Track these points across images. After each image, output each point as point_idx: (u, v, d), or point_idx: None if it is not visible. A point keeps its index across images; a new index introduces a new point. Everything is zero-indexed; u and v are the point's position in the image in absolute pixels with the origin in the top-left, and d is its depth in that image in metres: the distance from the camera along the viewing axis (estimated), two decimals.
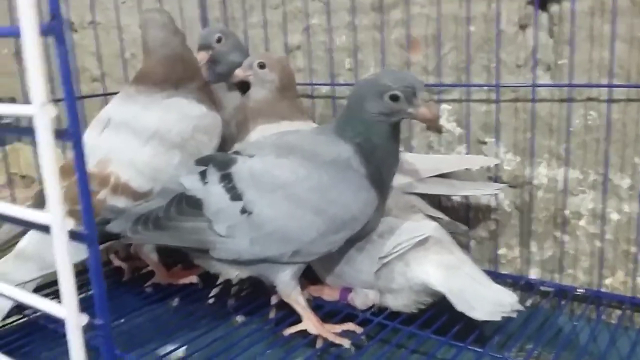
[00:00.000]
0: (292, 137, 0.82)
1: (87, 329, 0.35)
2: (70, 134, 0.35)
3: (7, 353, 0.79)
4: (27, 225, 0.36)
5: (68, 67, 0.34)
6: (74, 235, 0.34)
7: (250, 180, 0.76)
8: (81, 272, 0.96)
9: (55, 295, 0.89)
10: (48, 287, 0.91)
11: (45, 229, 0.34)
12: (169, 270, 0.99)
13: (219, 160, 0.80)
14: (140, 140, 0.88)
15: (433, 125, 0.73)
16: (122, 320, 0.90)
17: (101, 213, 0.83)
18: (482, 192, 0.94)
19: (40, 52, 0.32)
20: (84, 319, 0.35)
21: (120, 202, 0.84)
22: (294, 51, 1.15)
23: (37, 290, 0.86)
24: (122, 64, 1.25)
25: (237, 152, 0.82)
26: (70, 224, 0.34)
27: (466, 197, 1.00)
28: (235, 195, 0.76)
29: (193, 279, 0.96)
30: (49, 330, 0.86)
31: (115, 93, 1.08)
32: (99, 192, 0.84)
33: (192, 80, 0.94)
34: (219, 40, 1.03)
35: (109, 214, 0.83)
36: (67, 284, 0.34)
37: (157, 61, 0.92)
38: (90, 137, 0.90)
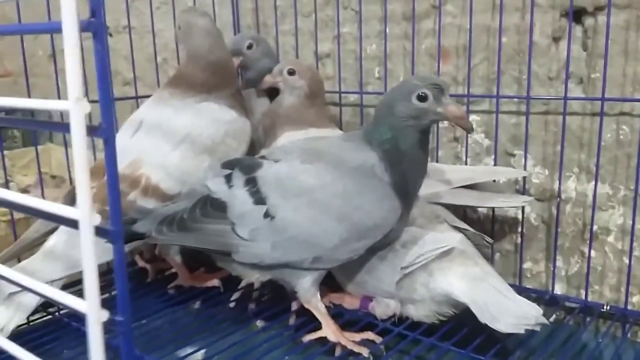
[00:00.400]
0: (318, 143, 0.82)
1: (108, 326, 0.36)
2: (102, 130, 0.35)
3: (31, 349, 0.80)
4: (57, 220, 0.36)
5: (105, 64, 0.35)
6: (100, 231, 0.35)
7: (274, 185, 0.77)
8: (106, 272, 0.99)
9: (79, 294, 0.90)
10: (72, 286, 0.92)
11: (73, 223, 0.35)
12: (192, 273, 1.00)
13: (245, 164, 0.81)
14: (171, 143, 0.89)
15: (463, 124, 0.73)
16: (144, 321, 0.91)
17: (129, 213, 0.84)
18: (508, 205, 0.93)
19: (79, 48, 0.33)
20: (105, 314, 0.35)
21: (150, 203, 0.85)
22: (323, 59, 1.15)
23: (62, 289, 0.87)
24: (155, 68, 1.27)
25: (263, 157, 0.82)
26: (97, 219, 0.35)
27: (492, 209, 0.99)
28: (259, 199, 0.76)
29: (215, 282, 0.97)
30: (73, 329, 0.87)
31: (147, 96, 1.10)
32: (129, 193, 0.85)
33: (227, 86, 0.95)
34: (249, 47, 1.05)
35: (136, 214, 0.84)
36: (91, 279, 0.35)
37: (199, 67, 0.93)
38: (122, 139, 0.91)
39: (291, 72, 0.97)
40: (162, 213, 0.80)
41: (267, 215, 0.76)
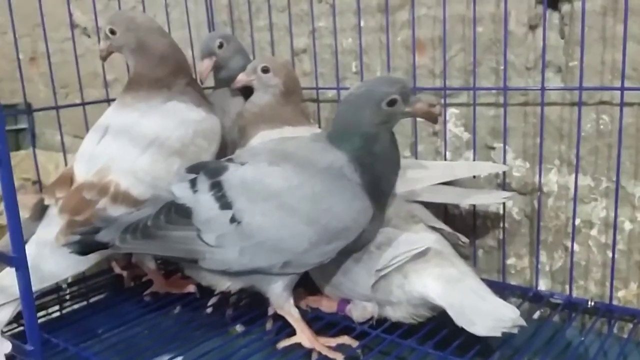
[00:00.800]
0: (287, 145, 0.80)
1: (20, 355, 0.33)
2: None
3: None
4: None
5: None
6: (2, 257, 0.33)
7: (240, 189, 0.74)
8: (82, 280, 0.97)
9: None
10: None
11: None
12: (168, 279, 0.98)
13: (210, 167, 0.78)
14: (139, 147, 0.86)
15: (431, 118, 0.73)
16: (121, 329, 0.89)
17: (93, 221, 0.82)
18: (489, 201, 0.91)
19: None
20: (8, 346, 0.33)
21: (120, 210, 0.83)
22: (300, 54, 1.13)
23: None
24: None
25: (229, 159, 0.80)
26: None
27: (473, 205, 0.96)
28: (224, 203, 0.74)
29: (191, 288, 0.95)
30: None
31: None
32: (98, 201, 0.83)
33: (184, 76, 0.92)
34: (220, 46, 1.02)
35: (100, 222, 0.82)
36: None
37: (152, 63, 0.90)
38: (88, 145, 0.89)
39: (265, 70, 0.94)
40: (126, 221, 0.77)
41: (233, 220, 0.73)
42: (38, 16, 1.05)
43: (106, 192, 0.83)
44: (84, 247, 0.76)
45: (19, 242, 0.31)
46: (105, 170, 0.85)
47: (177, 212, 0.75)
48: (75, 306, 1.00)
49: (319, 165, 0.74)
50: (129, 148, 0.86)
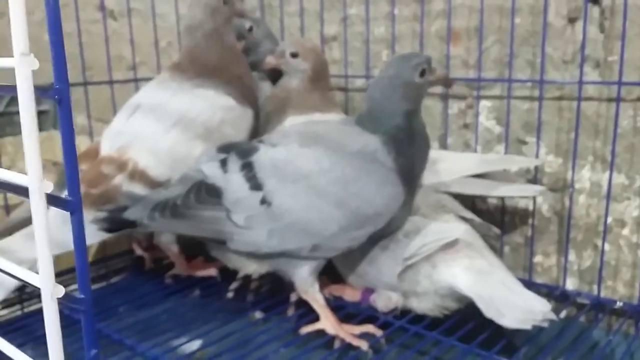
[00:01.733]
0: (318, 127, 0.79)
1: (67, 301, 0.32)
2: (55, 89, 0.32)
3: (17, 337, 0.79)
4: (8, 189, 0.33)
5: (56, 15, 0.31)
6: (54, 201, 0.32)
7: (271, 170, 0.73)
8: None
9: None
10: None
11: (24, 191, 0.32)
12: (190, 262, 0.97)
13: (241, 148, 0.77)
14: (163, 127, 0.85)
15: (446, 83, 0.83)
16: (141, 310, 0.89)
17: (118, 199, 0.81)
18: (519, 194, 0.89)
19: (23, 4, 0.30)
20: (60, 290, 0.32)
21: (136, 189, 0.82)
22: (329, 42, 1.11)
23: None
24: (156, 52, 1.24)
25: (260, 141, 0.79)
26: (50, 187, 0.31)
27: (502, 199, 0.94)
28: (255, 184, 0.73)
29: (213, 271, 0.94)
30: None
31: (147, 79, 1.07)
32: (115, 177, 0.82)
33: (230, 71, 0.91)
34: (250, 29, 1.01)
35: (127, 200, 0.81)
36: (44, 253, 0.32)
37: (193, 45, 0.90)
38: (117, 123, 0.89)
39: (294, 55, 0.93)
40: (154, 199, 0.76)
41: (263, 201, 0.72)
42: None
43: (124, 169, 0.83)
44: (111, 225, 0.75)
45: (75, 185, 0.30)
46: (127, 147, 0.84)
47: (207, 192, 0.74)
48: (95, 286, 1.00)
49: (350, 149, 0.73)
50: (153, 127, 0.86)
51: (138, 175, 0.82)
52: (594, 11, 0.85)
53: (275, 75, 0.99)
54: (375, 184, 0.72)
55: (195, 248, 0.98)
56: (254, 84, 0.96)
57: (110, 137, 0.88)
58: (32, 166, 0.31)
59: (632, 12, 0.80)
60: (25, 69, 0.30)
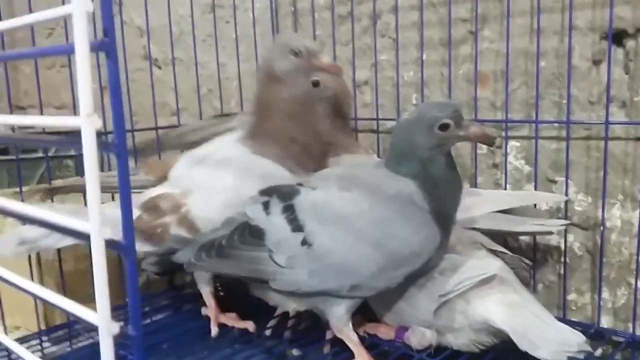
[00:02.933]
0: (355, 171, 0.82)
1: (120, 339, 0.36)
2: (115, 145, 0.36)
3: None
4: (68, 233, 0.37)
5: (117, 81, 0.36)
6: (112, 244, 0.36)
7: (312, 212, 0.76)
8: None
9: None
10: None
11: (85, 237, 0.36)
12: (224, 312, 0.96)
13: (283, 191, 0.81)
14: (220, 186, 0.90)
15: (485, 141, 0.77)
16: (181, 347, 0.92)
17: (167, 242, 0.86)
18: (545, 229, 0.90)
19: (88, 67, 0.34)
20: (116, 327, 0.35)
21: (182, 232, 0.87)
22: (361, 86, 1.16)
23: None
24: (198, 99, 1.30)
25: (300, 184, 0.82)
26: (108, 233, 0.35)
27: (534, 237, 0.95)
28: (296, 226, 0.76)
29: (250, 326, 0.92)
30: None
31: None
32: (167, 214, 0.87)
33: (295, 141, 0.91)
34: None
35: (175, 243, 0.85)
36: (102, 292, 0.35)
37: (272, 120, 0.92)
38: (182, 167, 0.94)
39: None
40: (200, 241, 0.81)
41: (304, 242, 0.75)
42: None
43: (177, 211, 0.88)
44: (162, 268, 0.80)
45: (129, 230, 0.34)
46: (187, 194, 0.89)
47: (251, 233, 0.78)
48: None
49: (388, 192, 0.75)
50: (211, 183, 0.90)
51: (187, 223, 0.87)
52: (618, 53, 0.87)
53: None
54: (413, 226, 0.74)
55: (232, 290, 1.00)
56: (319, 145, 0.94)
57: (177, 175, 0.94)
58: (94, 215, 0.35)
59: None
60: (89, 128, 0.34)
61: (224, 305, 0.97)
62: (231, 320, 0.94)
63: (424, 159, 0.74)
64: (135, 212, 0.88)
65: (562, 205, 0.93)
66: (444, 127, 0.72)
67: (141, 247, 0.87)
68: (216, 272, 0.90)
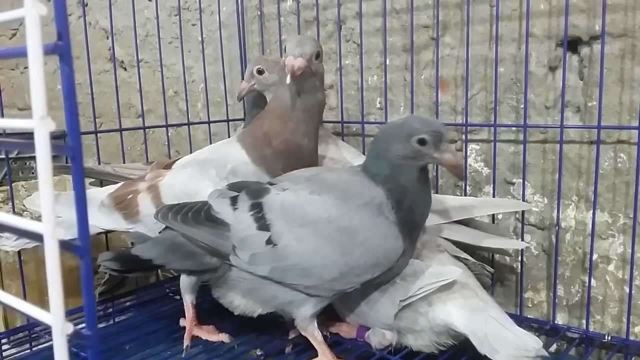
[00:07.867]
0: (328, 175, 0.82)
1: (74, 339, 0.36)
2: (70, 147, 0.37)
3: None
4: (22, 234, 0.37)
5: (71, 84, 0.36)
6: (66, 246, 0.36)
7: (280, 213, 0.77)
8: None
9: None
10: None
11: (38, 237, 0.36)
12: (201, 325, 0.94)
13: (252, 188, 0.81)
14: (186, 164, 0.94)
15: (456, 173, 0.76)
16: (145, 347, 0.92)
17: (136, 212, 0.90)
18: (505, 246, 0.93)
19: (42, 69, 0.35)
20: (69, 327, 0.36)
21: (147, 204, 0.90)
22: (327, 90, 1.17)
23: None
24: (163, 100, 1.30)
25: (270, 183, 0.82)
26: (61, 233, 0.36)
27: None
28: (263, 225, 0.77)
29: (224, 338, 0.91)
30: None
31: (155, 126, 1.13)
32: (141, 183, 0.93)
33: (275, 138, 0.90)
34: (260, 72, 0.99)
35: (134, 238, 0.85)
36: (56, 292, 0.36)
37: (265, 123, 0.91)
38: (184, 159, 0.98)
39: (260, 71, 0.95)
40: (156, 240, 0.82)
41: (269, 241, 0.76)
42: (77, 49, 1.11)
43: (152, 180, 0.92)
44: (119, 265, 0.81)
45: (85, 231, 0.34)
46: (160, 176, 0.93)
47: (213, 219, 0.79)
48: (102, 324, 1.03)
49: (357, 200, 0.76)
50: (184, 161, 0.95)
51: (154, 191, 0.90)
52: (573, 60, 0.90)
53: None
54: (379, 236, 0.75)
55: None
56: (301, 148, 0.91)
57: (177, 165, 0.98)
58: (47, 216, 0.35)
59: (608, 60, 0.85)
60: (43, 130, 0.34)
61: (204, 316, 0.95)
62: (205, 333, 0.92)
63: (393, 165, 0.75)
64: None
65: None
66: (421, 141, 0.73)
67: (116, 222, 0.92)
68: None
